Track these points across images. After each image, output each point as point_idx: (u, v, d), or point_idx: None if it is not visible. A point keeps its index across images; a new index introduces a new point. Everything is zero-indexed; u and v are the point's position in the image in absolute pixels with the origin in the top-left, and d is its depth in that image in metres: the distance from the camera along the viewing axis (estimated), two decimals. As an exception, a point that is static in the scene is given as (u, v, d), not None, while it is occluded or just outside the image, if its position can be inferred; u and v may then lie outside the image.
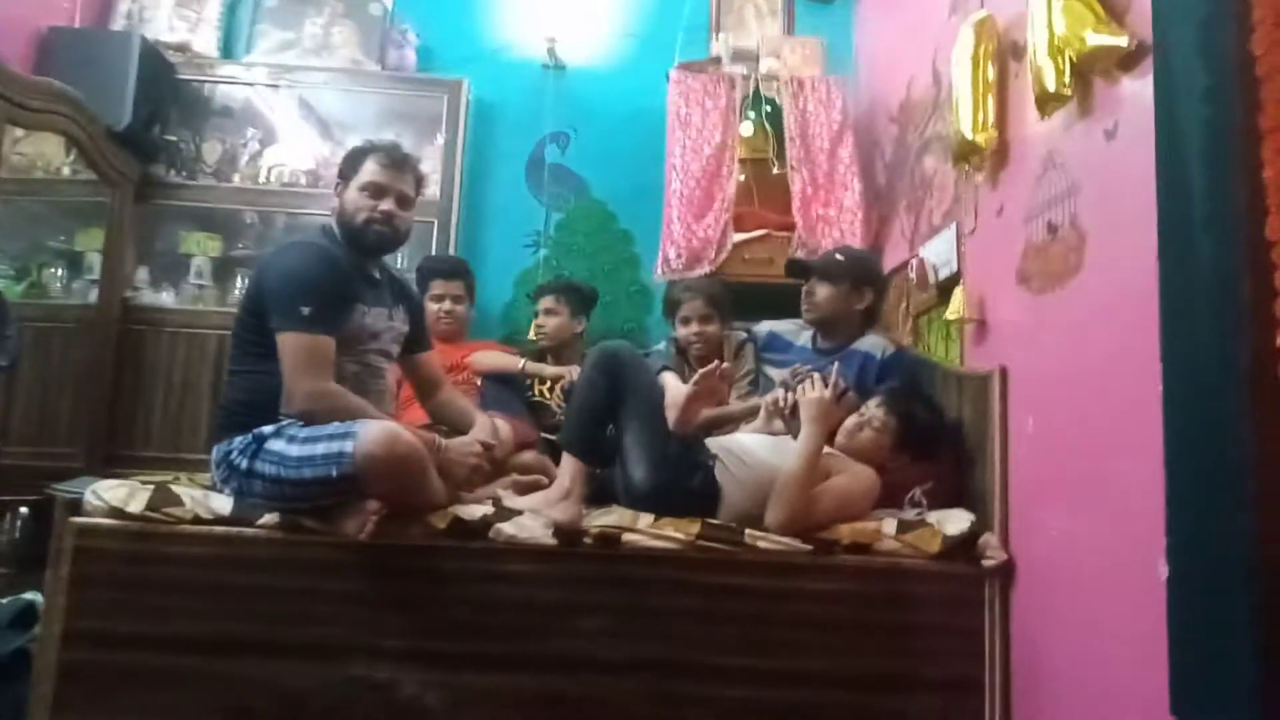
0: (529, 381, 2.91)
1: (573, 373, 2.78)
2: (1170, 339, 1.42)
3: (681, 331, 2.69)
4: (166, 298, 3.43)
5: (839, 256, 2.60)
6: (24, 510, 2.51)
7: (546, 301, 3.06)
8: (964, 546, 1.95)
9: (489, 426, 2.13)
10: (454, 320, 3.02)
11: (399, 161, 2.15)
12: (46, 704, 1.83)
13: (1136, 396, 1.48)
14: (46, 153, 3.32)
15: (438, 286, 3.01)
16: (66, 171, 3.34)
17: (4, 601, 2.19)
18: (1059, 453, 1.78)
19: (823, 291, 2.54)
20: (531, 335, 3.19)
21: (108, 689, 1.85)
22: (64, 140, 3.12)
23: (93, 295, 3.25)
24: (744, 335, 2.75)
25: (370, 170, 2.11)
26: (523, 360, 2.93)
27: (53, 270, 3.36)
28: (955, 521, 1.99)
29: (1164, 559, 1.38)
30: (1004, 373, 2.01)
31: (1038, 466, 1.88)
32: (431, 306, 2.97)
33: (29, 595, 2.18)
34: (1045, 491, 1.84)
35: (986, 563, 1.93)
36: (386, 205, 2.10)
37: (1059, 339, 1.81)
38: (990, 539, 1.94)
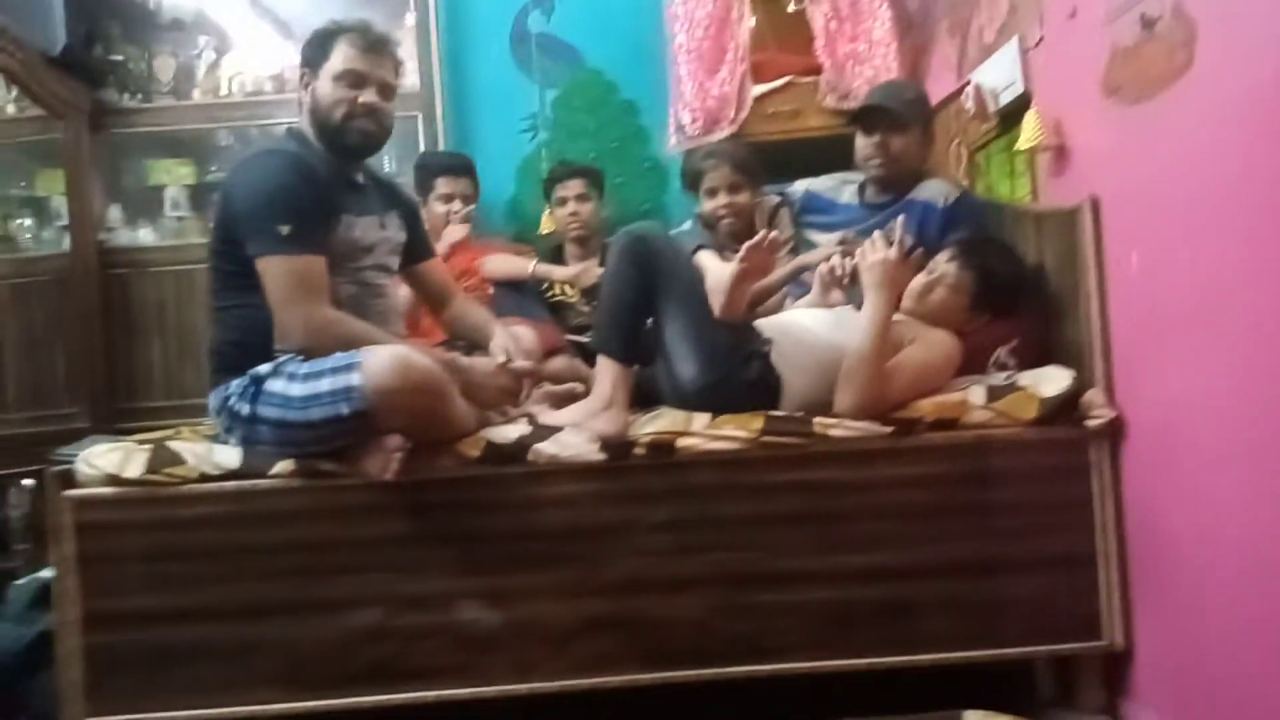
0: (544, 283, 2.66)
1: (590, 269, 2.53)
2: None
3: (708, 205, 2.40)
4: (145, 235, 3.17)
5: (907, 95, 2.24)
6: (28, 483, 2.33)
7: (575, 186, 2.78)
8: (1064, 409, 1.71)
9: (508, 339, 1.89)
10: (465, 222, 2.75)
11: (376, 43, 1.83)
12: (79, 690, 1.68)
13: (1273, 212, 1.21)
14: (-16, 91, 3.02)
15: (444, 185, 2.73)
16: (11, 110, 3.04)
17: (22, 581, 2.05)
18: (1174, 292, 1.52)
19: (899, 142, 2.19)
20: (550, 227, 2.92)
21: (145, 669, 1.69)
22: (0, 75, 2.81)
23: (66, 242, 3.00)
24: (777, 199, 2.45)
25: (344, 55, 1.79)
26: (532, 263, 2.67)
27: (19, 221, 3.10)
28: (1052, 381, 1.74)
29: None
30: (1096, 204, 1.73)
31: (1146, 311, 1.62)
32: (438, 207, 2.71)
33: (47, 572, 2.03)
34: (1158, 339, 1.59)
35: (1091, 423, 1.70)
36: (367, 96, 1.80)
37: (1164, 156, 1.52)
38: (1095, 396, 1.71)
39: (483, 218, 3.09)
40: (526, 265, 2.68)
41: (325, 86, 1.81)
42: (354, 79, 1.79)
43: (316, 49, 1.83)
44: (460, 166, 2.78)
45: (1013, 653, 1.74)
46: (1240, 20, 1.31)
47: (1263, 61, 1.23)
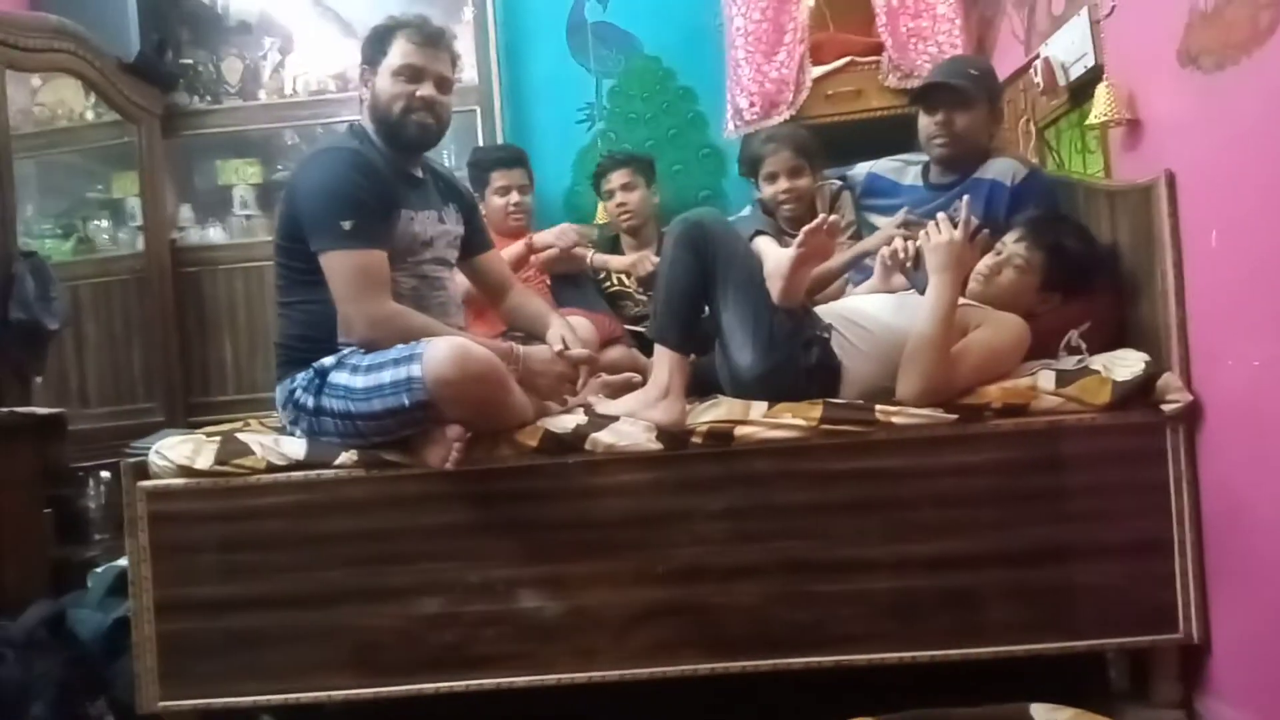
0: (602, 272, 2.66)
1: (646, 257, 2.52)
2: None
3: (768, 190, 2.36)
4: (215, 234, 3.27)
5: (972, 71, 2.16)
6: (105, 474, 2.43)
7: (620, 177, 2.77)
8: (1139, 393, 1.64)
9: (565, 328, 1.90)
10: (524, 213, 2.76)
11: (433, 37, 1.84)
12: (153, 675, 1.74)
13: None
14: (66, 99, 3.14)
15: (500, 178, 2.73)
16: (90, 116, 3.16)
17: (101, 570, 2.13)
18: (1255, 271, 1.45)
19: (964, 120, 2.11)
20: (605, 218, 2.92)
21: (216, 655, 1.75)
22: (80, 82, 2.93)
23: (140, 243, 3.11)
24: (838, 183, 2.40)
25: (401, 50, 1.82)
26: (590, 252, 2.67)
27: (97, 223, 3.23)
28: (1126, 364, 1.68)
29: None
30: (1171, 179, 1.65)
31: (1225, 290, 1.55)
32: (496, 201, 2.72)
33: (125, 561, 2.11)
34: (1237, 320, 1.52)
35: (1167, 408, 1.63)
36: (425, 90, 1.82)
37: (1246, 127, 1.44)
38: (1171, 379, 1.64)
39: (540, 209, 3.10)
40: (584, 255, 2.68)
41: (384, 82, 1.83)
42: (412, 74, 1.81)
43: (375, 46, 1.85)
44: (512, 158, 2.79)
45: (1083, 645, 1.68)
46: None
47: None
